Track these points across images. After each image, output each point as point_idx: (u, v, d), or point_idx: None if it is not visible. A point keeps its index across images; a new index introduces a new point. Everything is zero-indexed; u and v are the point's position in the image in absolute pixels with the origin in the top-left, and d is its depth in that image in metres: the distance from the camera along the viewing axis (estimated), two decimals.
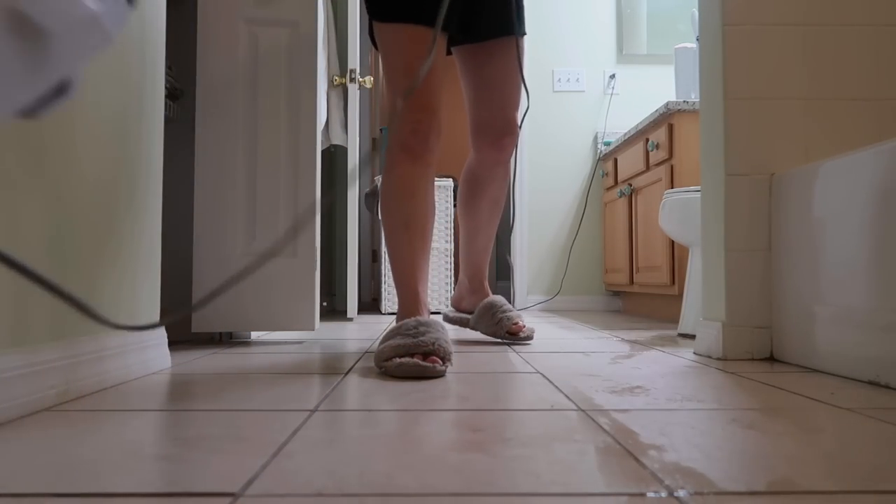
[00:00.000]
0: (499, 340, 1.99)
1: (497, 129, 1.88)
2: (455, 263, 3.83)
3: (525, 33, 1.88)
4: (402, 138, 1.60)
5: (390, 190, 1.63)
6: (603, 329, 2.52)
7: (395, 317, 1.69)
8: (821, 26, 1.63)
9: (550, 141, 4.07)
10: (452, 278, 3.70)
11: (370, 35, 1.76)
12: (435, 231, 3.68)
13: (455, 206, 3.91)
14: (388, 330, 1.48)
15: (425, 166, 1.61)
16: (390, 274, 3.61)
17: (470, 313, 2.08)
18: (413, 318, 1.45)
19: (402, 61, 1.59)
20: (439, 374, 1.34)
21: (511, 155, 1.93)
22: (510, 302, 4.17)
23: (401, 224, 1.61)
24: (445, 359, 1.37)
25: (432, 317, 1.51)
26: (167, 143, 2.01)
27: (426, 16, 1.57)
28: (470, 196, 1.98)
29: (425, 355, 1.35)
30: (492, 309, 1.97)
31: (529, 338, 1.95)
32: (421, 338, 1.38)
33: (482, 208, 1.99)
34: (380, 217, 1.64)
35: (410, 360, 1.33)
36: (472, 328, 2.06)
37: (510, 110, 1.88)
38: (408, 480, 0.66)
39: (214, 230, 1.96)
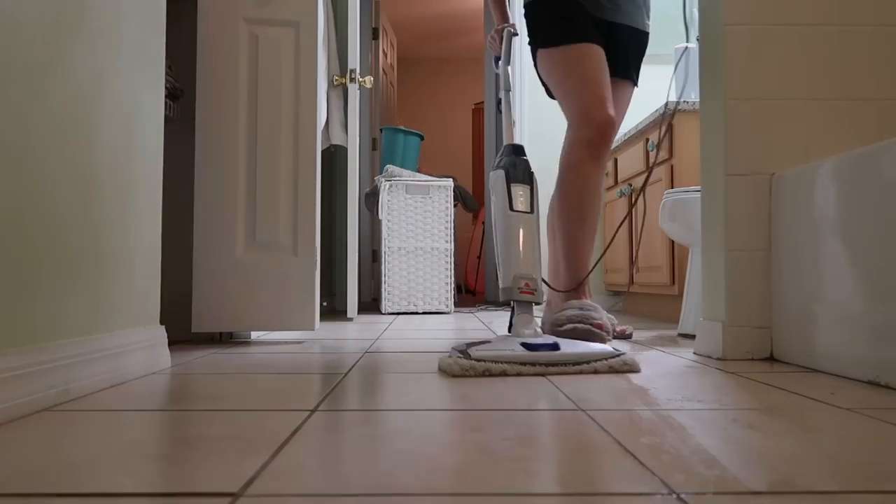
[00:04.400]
0: None
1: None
2: (454, 263, 3.82)
3: (637, 84, 2.14)
4: (589, 139, 1.87)
5: (575, 187, 1.92)
6: None
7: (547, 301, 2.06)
8: (821, 26, 1.62)
9: (551, 141, 4.05)
10: (452, 278, 3.70)
11: (536, 68, 2.08)
12: (434, 231, 3.68)
13: (455, 206, 3.92)
14: (555, 303, 1.91)
15: (603, 167, 1.93)
16: (390, 274, 3.63)
17: None
18: (580, 300, 1.84)
19: (588, 71, 1.89)
20: (605, 340, 1.72)
21: (603, 172, 2.15)
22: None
23: (579, 219, 1.92)
24: (609, 333, 1.74)
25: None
26: (167, 143, 2.01)
27: (594, 38, 1.91)
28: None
29: (593, 324, 1.73)
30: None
31: (631, 335, 2.14)
32: (591, 312, 1.77)
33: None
34: (557, 207, 1.99)
35: (584, 325, 1.73)
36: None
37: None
38: (408, 480, 0.66)
39: (214, 230, 1.96)
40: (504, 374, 1.30)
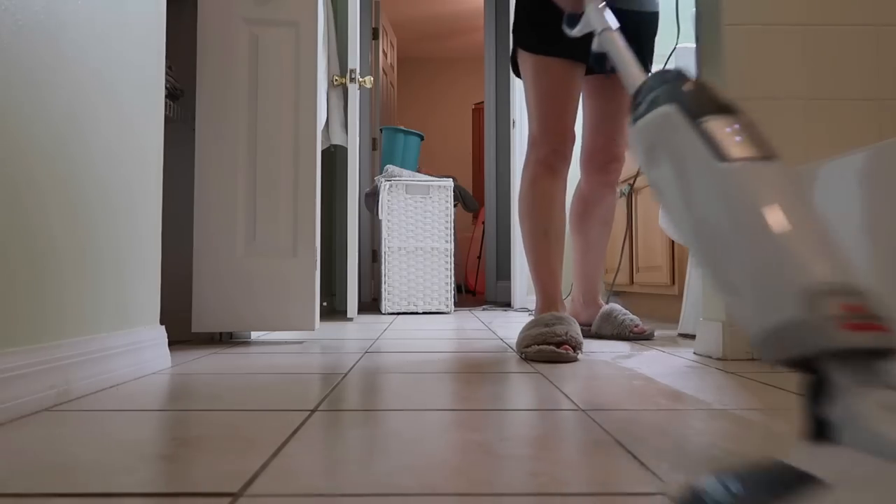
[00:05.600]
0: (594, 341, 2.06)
1: (606, 156, 2.02)
2: (454, 263, 3.83)
3: (650, 70, 2.03)
4: (544, 157, 1.82)
5: (533, 202, 1.84)
6: None
7: (529, 312, 1.91)
8: (821, 26, 1.62)
9: None
10: (452, 278, 3.70)
11: (512, 63, 1.95)
12: (434, 231, 3.68)
13: (455, 206, 3.92)
14: (528, 322, 1.70)
15: (562, 180, 1.85)
16: (390, 274, 3.63)
17: (587, 325, 2.17)
18: (549, 313, 1.67)
19: (549, 88, 1.81)
20: (571, 360, 1.55)
21: (617, 179, 2.08)
22: (510, 302, 4.17)
23: (541, 232, 1.82)
24: (576, 348, 1.58)
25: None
26: (167, 143, 2.01)
27: (576, 52, 1.76)
28: (581, 217, 2.13)
29: (558, 344, 1.55)
30: (612, 314, 2.11)
31: (650, 336, 2.07)
32: (555, 328, 1.59)
33: (592, 228, 2.13)
34: (520, 224, 1.91)
35: (547, 347, 1.55)
36: (595, 335, 2.12)
37: (621, 143, 2.02)
38: (408, 480, 0.66)
39: (214, 230, 1.96)
40: None
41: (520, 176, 4.28)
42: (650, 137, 0.85)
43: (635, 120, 0.89)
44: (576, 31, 1.46)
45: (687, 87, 0.84)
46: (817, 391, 0.56)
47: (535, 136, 1.85)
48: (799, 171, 2.09)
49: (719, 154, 0.74)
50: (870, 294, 0.58)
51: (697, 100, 0.81)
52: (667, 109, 0.82)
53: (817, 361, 0.56)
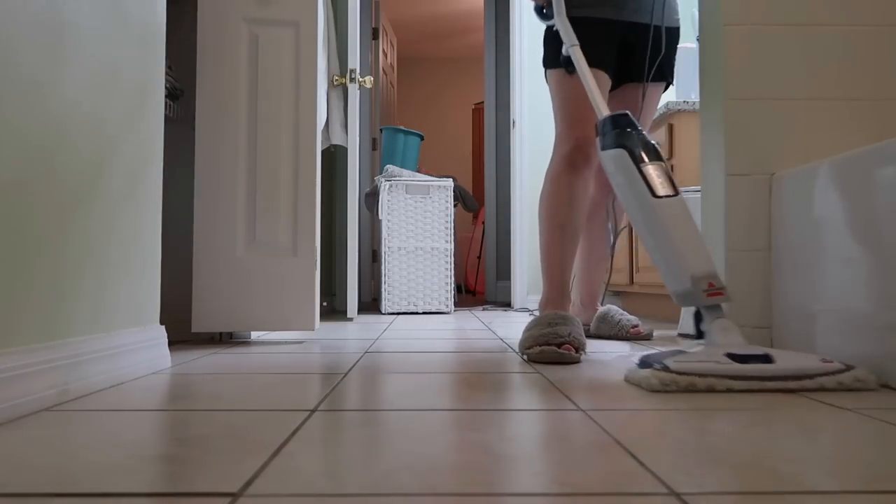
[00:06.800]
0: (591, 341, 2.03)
1: None
2: (454, 263, 3.83)
3: (672, 82, 2.08)
4: (568, 153, 1.84)
5: (551, 197, 1.86)
6: None
7: (530, 312, 1.91)
8: (821, 26, 1.62)
9: (550, 141, 4.05)
10: (452, 278, 3.70)
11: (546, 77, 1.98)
12: (434, 231, 3.68)
13: (455, 206, 3.92)
14: (530, 321, 1.69)
15: (583, 178, 1.86)
16: (390, 274, 3.64)
17: (585, 325, 2.13)
18: (553, 312, 1.67)
19: (571, 95, 1.82)
20: (574, 361, 1.55)
21: (587, 185, 2.07)
22: (510, 302, 4.16)
23: (557, 227, 1.83)
24: (579, 349, 1.57)
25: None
26: (167, 143, 2.01)
27: (601, 63, 1.82)
28: (588, 218, 2.09)
29: (560, 345, 1.55)
30: (609, 315, 2.12)
31: (649, 336, 2.07)
32: (558, 328, 1.59)
33: (598, 229, 2.14)
34: (538, 220, 1.91)
35: (549, 347, 1.54)
36: (594, 335, 2.12)
37: None
38: (408, 480, 0.66)
39: (214, 230, 1.96)
40: (711, 389, 1.15)
41: (520, 175, 4.29)
42: (610, 167, 1.42)
43: (602, 149, 1.44)
44: (548, 22, 1.81)
45: (629, 134, 1.39)
46: (698, 319, 1.31)
47: (560, 134, 1.88)
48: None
49: (653, 192, 1.34)
50: (718, 275, 1.30)
51: (638, 147, 1.37)
52: (619, 152, 1.38)
53: (699, 308, 1.30)
